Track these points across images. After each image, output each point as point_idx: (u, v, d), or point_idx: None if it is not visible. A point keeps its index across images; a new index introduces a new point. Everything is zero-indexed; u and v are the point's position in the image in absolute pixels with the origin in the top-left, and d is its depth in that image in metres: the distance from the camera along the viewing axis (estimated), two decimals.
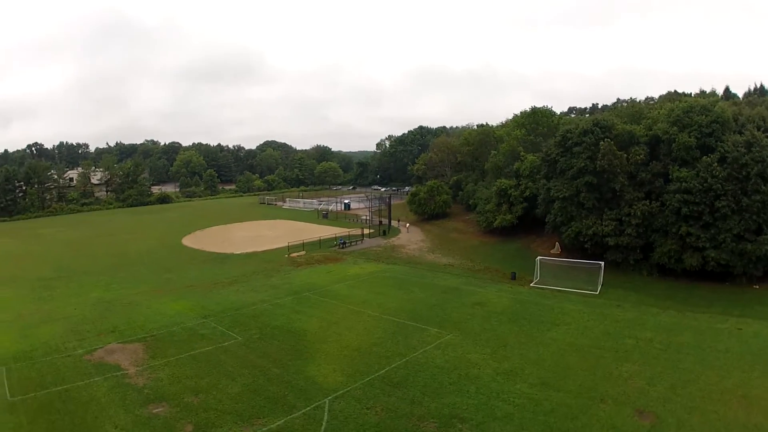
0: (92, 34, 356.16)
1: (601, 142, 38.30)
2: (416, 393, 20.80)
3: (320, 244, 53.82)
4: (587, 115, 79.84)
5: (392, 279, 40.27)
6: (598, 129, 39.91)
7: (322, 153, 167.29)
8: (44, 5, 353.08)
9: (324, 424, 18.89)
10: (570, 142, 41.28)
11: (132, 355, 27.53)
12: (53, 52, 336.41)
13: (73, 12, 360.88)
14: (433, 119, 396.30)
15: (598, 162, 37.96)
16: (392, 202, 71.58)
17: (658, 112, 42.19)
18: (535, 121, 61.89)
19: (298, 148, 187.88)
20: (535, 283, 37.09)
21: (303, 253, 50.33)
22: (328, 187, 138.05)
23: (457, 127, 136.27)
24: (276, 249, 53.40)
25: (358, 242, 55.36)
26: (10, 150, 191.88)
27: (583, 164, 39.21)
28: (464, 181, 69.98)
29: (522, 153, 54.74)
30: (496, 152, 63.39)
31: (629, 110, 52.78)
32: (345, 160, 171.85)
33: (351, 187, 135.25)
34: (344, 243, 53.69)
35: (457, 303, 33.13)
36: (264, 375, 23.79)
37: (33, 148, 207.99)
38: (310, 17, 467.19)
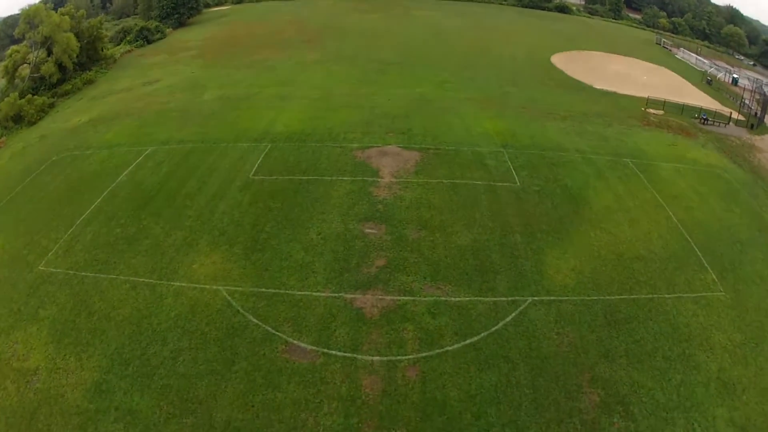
0: None
1: None
2: (631, 344, 16.86)
3: (682, 110, 45.45)
4: None
5: (723, 182, 30.65)
6: None
7: (732, 15, 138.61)
8: None
9: (507, 318, 17.04)
10: None
11: (401, 163, 24.32)
12: None
13: None
14: None
15: None
16: None
17: None
18: None
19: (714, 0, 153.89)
20: None
21: (661, 113, 45.27)
22: (731, 52, 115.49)
23: None
24: (636, 97, 46.99)
25: (722, 124, 46.37)
26: None
27: None
28: None
29: None
30: None
31: None
32: (754, 32, 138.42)
33: (752, 63, 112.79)
34: (707, 119, 46.29)
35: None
36: (501, 238, 20.14)
37: None
38: None
